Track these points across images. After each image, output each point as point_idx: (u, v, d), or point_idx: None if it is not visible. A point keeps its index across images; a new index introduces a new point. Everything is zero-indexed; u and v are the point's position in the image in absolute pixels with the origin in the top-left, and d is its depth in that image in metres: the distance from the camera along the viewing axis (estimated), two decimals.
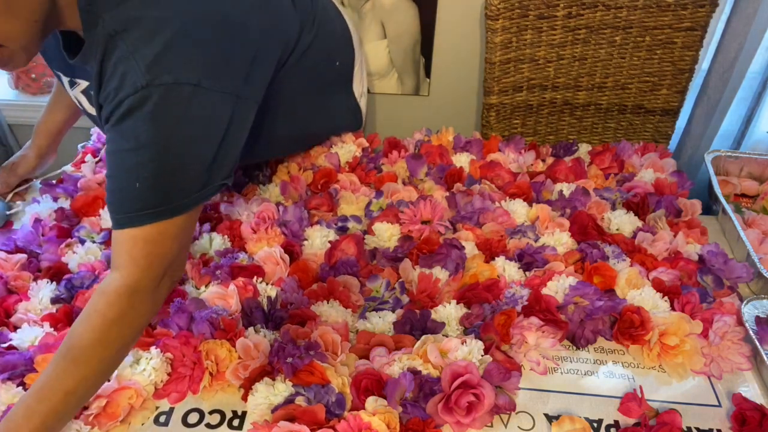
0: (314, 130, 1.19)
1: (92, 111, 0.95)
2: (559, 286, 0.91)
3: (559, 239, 1.00)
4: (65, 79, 0.93)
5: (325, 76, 1.12)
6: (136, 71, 0.71)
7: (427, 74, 1.51)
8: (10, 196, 1.17)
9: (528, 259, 0.96)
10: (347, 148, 1.21)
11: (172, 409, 0.79)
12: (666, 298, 0.90)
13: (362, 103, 1.27)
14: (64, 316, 0.87)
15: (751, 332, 0.85)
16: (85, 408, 0.75)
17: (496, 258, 0.97)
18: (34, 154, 1.18)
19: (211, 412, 0.79)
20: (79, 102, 0.96)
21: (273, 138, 1.07)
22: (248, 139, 0.90)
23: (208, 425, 0.77)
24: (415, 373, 0.77)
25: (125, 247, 0.74)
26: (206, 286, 0.93)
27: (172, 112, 0.74)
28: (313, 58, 1.02)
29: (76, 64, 0.80)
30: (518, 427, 0.78)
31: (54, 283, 0.93)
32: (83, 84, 0.91)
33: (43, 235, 1.04)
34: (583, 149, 1.27)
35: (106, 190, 0.77)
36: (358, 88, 1.23)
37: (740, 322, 0.87)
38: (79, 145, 1.30)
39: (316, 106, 1.13)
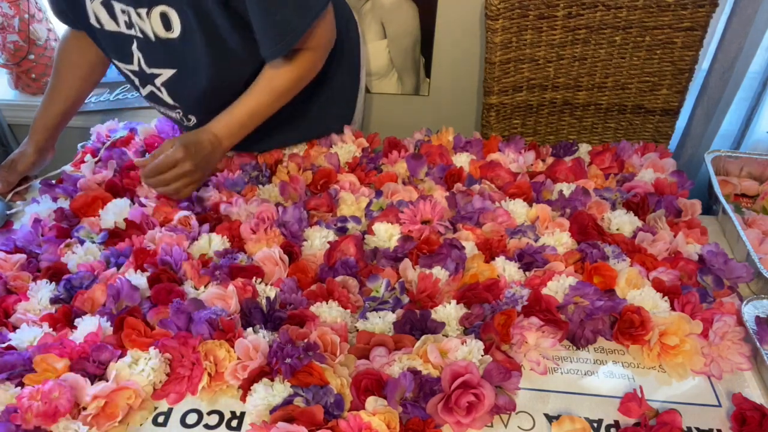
0: (314, 104, 1.23)
1: (112, 26, 1.00)
2: (559, 286, 0.91)
3: (559, 239, 1.00)
4: None
5: (336, 55, 1.17)
6: None
7: (427, 74, 1.51)
8: (10, 195, 1.17)
9: (528, 259, 0.96)
10: (347, 148, 1.20)
11: (170, 410, 0.79)
12: (666, 298, 0.90)
13: (360, 99, 1.27)
14: (63, 316, 0.87)
15: (751, 332, 0.85)
16: (83, 408, 0.75)
17: (496, 258, 0.97)
18: (33, 149, 1.18)
19: (209, 413, 0.79)
20: (97, 18, 0.99)
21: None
22: None
23: (207, 426, 0.77)
24: (415, 373, 0.77)
25: (318, 35, 1.00)
26: (205, 286, 0.92)
27: None
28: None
29: None
30: (518, 427, 0.78)
31: (53, 283, 0.92)
32: None
33: (42, 235, 1.04)
34: (583, 149, 1.27)
35: (260, 30, 0.95)
36: (361, 82, 1.25)
37: (740, 322, 0.87)
38: (79, 145, 1.30)
39: (324, 77, 1.19)
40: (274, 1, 0.92)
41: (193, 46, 0.97)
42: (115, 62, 1.07)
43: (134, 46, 1.00)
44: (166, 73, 1.02)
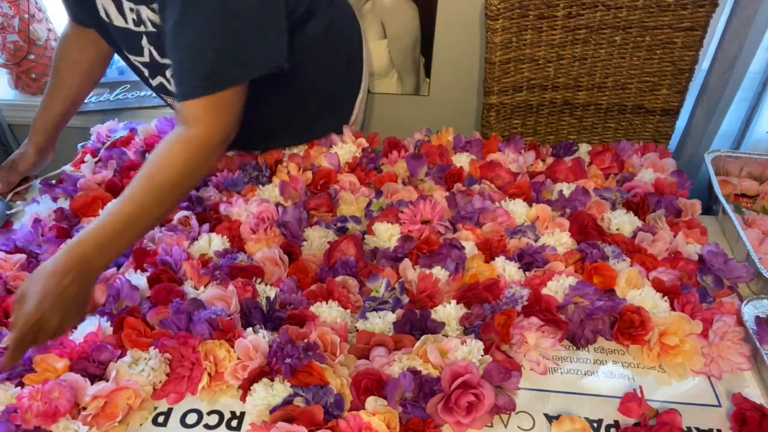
0: (314, 104, 1.20)
1: (120, 21, 0.98)
2: (559, 286, 0.91)
3: (559, 239, 1.00)
4: None
5: (339, 59, 1.16)
6: None
7: (427, 74, 1.51)
8: (10, 195, 1.17)
9: (528, 259, 0.96)
10: (347, 149, 1.20)
11: (170, 410, 0.79)
12: (666, 298, 0.90)
13: (362, 101, 1.27)
14: None
15: (751, 332, 0.85)
16: (83, 408, 0.75)
17: (496, 258, 0.97)
18: (33, 150, 1.18)
19: (209, 413, 0.79)
20: (106, 12, 0.98)
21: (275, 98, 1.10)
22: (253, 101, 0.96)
23: (207, 426, 0.77)
24: (415, 373, 0.77)
25: (205, 109, 0.87)
26: (205, 286, 0.92)
27: None
28: (330, 35, 1.08)
29: None
30: (518, 427, 0.78)
31: None
32: None
33: (42, 236, 1.04)
34: (583, 149, 1.27)
35: (175, 65, 0.88)
36: (363, 84, 1.24)
37: (740, 322, 0.87)
38: (79, 145, 1.30)
39: (325, 79, 1.17)
40: (214, 35, 0.85)
41: None
42: (127, 54, 1.07)
43: (144, 41, 1.00)
44: None
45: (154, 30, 0.97)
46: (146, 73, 1.08)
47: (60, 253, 0.79)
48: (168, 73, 1.05)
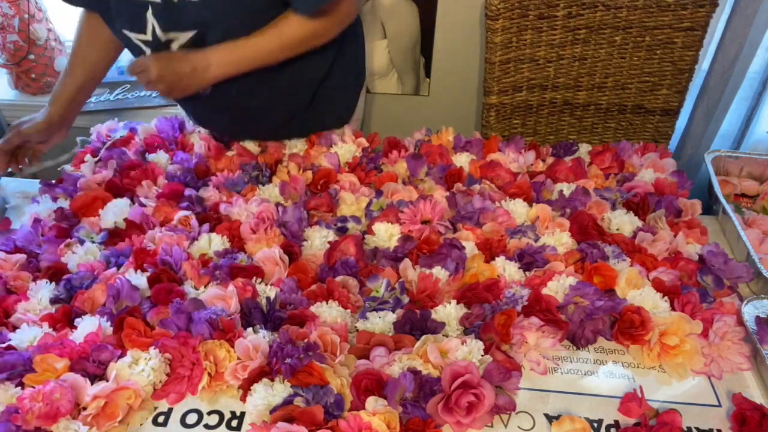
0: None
1: None
2: (559, 286, 0.91)
3: (559, 239, 1.00)
4: None
5: (346, 49, 1.20)
6: None
7: (427, 74, 1.51)
8: (27, 161, 1.17)
9: (528, 259, 0.96)
10: (347, 148, 1.20)
11: (170, 410, 0.79)
12: (666, 298, 0.90)
13: (363, 96, 1.27)
14: (63, 316, 0.87)
15: (751, 332, 0.85)
16: (84, 408, 0.75)
17: (496, 258, 0.97)
18: (43, 118, 1.16)
19: (209, 413, 0.79)
20: None
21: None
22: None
23: (207, 426, 0.77)
24: (415, 373, 0.77)
25: (346, 3, 1.04)
26: (205, 286, 0.92)
27: None
28: None
29: None
30: (518, 427, 0.78)
31: (53, 283, 0.92)
32: None
33: (42, 235, 1.04)
34: (583, 149, 1.27)
35: None
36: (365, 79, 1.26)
37: (740, 322, 0.87)
38: (78, 139, 1.29)
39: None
40: None
41: (213, 7, 0.97)
42: (126, 33, 1.05)
43: (149, 13, 0.99)
44: (184, 36, 1.02)
45: (160, 1, 0.96)
46: (148, 52, 1.06)
47: (200, 50, 1.00)
48: (174, 47, 1.04)
